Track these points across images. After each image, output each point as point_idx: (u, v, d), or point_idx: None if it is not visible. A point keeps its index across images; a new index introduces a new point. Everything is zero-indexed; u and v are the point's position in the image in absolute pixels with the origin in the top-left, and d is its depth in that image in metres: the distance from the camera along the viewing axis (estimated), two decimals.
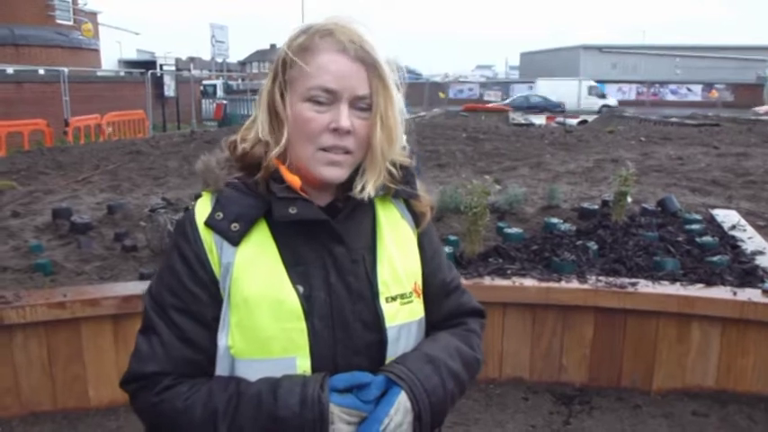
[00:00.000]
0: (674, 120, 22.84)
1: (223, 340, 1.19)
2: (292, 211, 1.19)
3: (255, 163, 1.22)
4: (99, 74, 25.88)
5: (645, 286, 3.74)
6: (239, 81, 42.16)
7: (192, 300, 1.20)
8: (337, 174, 1.21)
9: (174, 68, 29.51)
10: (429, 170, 9.21)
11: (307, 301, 1.19)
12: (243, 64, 78.26)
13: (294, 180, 1.20)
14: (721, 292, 3.69)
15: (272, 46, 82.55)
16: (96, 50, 29.49)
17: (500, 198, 5.74)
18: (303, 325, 1.18)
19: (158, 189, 7.52)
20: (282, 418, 1.12)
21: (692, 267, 4.08)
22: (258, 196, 1.21)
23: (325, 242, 1.23)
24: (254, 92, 33.04)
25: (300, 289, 1.19)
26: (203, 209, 1.23)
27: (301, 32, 1.22)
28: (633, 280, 3.82)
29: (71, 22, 26.53)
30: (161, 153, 10.71)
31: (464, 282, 3.84)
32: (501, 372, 3.88)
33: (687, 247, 4.48)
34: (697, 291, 3.70)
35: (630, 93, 49.16)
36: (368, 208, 1.30)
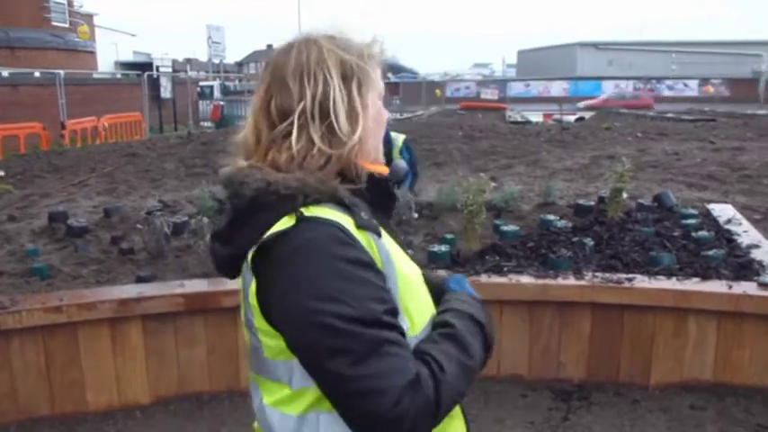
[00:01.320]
0: (670, 115, 22.87)
1: (404, 325, 1.20)
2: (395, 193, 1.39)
3: (335, 169, 1.25)
4: (95, 76, 25.84)
5: (641, 281, 3.75)
6: (236, 82, 42.13)
7: (390, 296, 1.18)
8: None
9: (170, 70, 29.49)
10: (426, 169, 9.21)
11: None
12: (240, 65, 78.25)
13: (384, 169, 1.36)
14: (717, 286, 3.70)
15: (269, 46, 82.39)
16: (92, 52, 29.46)
17: (496, 196, 5.74)
18: (427, 291, 1.35)
19: (155, 191, 7.52)
20: (476, 326, 1.32)
21: (688, 262, 4.09)
22: (358, 193, 1.27)
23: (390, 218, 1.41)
24: (252, 93, 32.84)
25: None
26: (339, 217, 1.19)
27: (353, 42, 1.33)
28: (630, 275, 3.82)
29: (67, 25, 26.51)
30: (158, 155, 10.71)
31: None
32: (499, 369, 3.88)
33: (683, 241, 4.49)
34: (693, 285, 3.71)
35: (627, 89, 49.20)
36: None
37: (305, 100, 1.23)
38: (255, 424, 1.33)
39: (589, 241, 4.40)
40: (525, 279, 3.81)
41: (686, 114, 23.24)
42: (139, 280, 4.00)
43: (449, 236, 4.68)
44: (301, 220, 1.16)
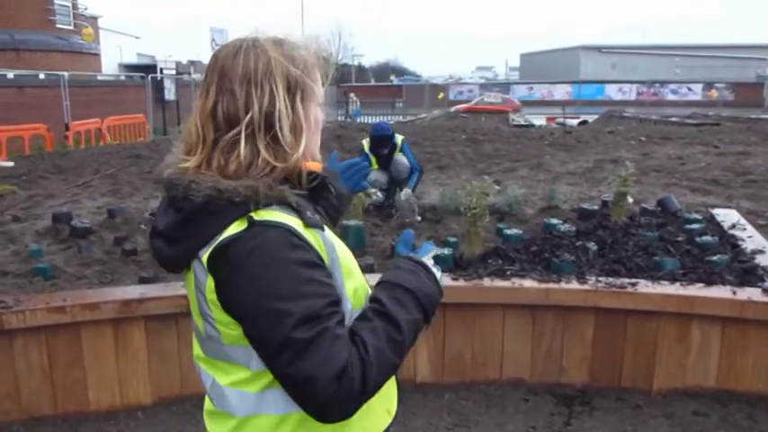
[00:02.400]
0: (674, 119, 22.84)
1: (348, 305, 1.34)
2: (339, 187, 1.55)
3: (281, 175, 1.33)
4: (99, 78, 25.87)
5: (645, 286, 3.74)
6: None
7: (332, 290, 1.29)
8: None
9: (174, 72, 29.48)
10: (429, 172, 9.22)
11: None
12: None
13: (318, 166, 1.44)
14: (721, 292, 3.69)
15: None
16: (97, 55, 29.51)
17: (500, 199, 5.74)
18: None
19: (158, 193, 7.48)
20: (417, 291, 1.40)
21: (691, 267, 4.08)
22: (301, 193, 1.36)
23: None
24: None
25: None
26: (288, 218, 1.28)
27: (300, 49, 1.38)
28: (633, 280, 3.81)
29: (71, 27, 26.54)
30: (161, 157, 10.62)
31: (464, 283, 3.85)
32: (501, 373, 3.88)
33: (687, 246, 4.48)
34: (697, 290, 3.70)
35: (631, 93, 49.17)
36: None
37: (252, 111, 1.29)
38: (208, 406, 1.46)
39: (592, 245, 4.39)
40: (528, 283, 3.80)
41: (690, 118, 23.19)
42: (142, 281, 4.01)
43: (452, 239, 4.68)
44: (252, 224, 1.25)
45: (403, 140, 6.37)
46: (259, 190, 1.26)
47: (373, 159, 6.26)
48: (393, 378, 1.46)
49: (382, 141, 6.20)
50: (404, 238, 1.56)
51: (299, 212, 1.30)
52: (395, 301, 1.35)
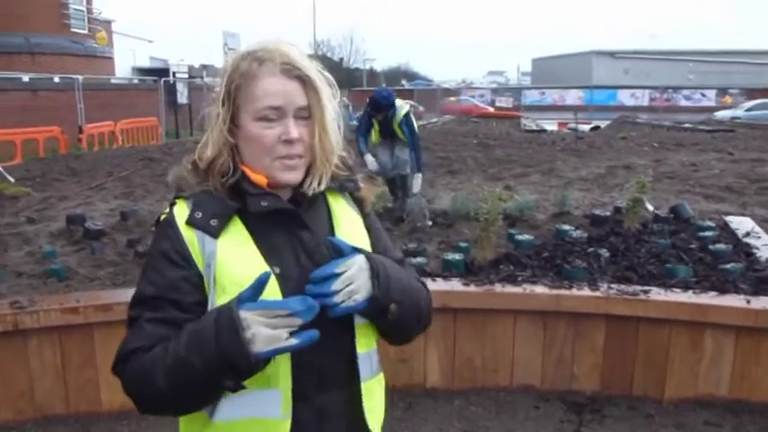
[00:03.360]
0: (687, 125, 22.71)
1: None
2: (264, 203, 1.37)
3: (218, 174, 1.39)
4: (113, 81, 26.07)
5: (657, 294, 3.72)
6: None
7: (171, 287, 1.34)
8: (294, 176, 1.40)
9: (186, 76, 29.63)
10: (440, 177, 9.22)
11: (283, 280, 1.34)
12: None
13: (261, 179, 1.39)
14: (735, 300, 3.66)
15: None
16: (110, 58, 29.73)
17: (511, 205, 5.73)
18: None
19: (170, 195, 7.55)
20: (201, 329, 1.26)
21: (704, 275, 4.06)
22: (226, 199, 1.38)
23: (292, 229, 1.41)
24: None
25: (276, 269, 1.34)
26: (181, 212, 1.38)
27: (237, 63, 1.40)
28: (645, 287, 3.80)
29: (86, 31, 26.75)
30: (173, 159, 10.75)
31: (475, 289, 3.85)
32: (512, 379, 3.87)
33: (700, 254, 4.45)
34: (710, 299, 3.68)
35: (643, 98, 48.92)
36: (322, 201, 1.50)
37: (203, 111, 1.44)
38: None
39: (604, 252, 4.38)
40: (539, 289, 3.79)
41: (704, 125, 23.07)
42: None
43: (463, 244, 4.68)
44: (169, 208, 1.42)
45: (407, 113, 6.14)
46: (177, 181, 1.43)
47: (375, 129, 6.19)
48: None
49: (381, 107, 6.06)
50: (254, 283, 1.26)
51: (191, 208, 1.37)
52: (187, 333, 1.28)
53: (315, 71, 1.39)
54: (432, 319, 1.57)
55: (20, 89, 18.93)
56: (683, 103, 47.74)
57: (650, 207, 5.40)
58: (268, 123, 1.36)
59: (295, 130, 1.36)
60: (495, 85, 66.05)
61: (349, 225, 1.50)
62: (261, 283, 1.26)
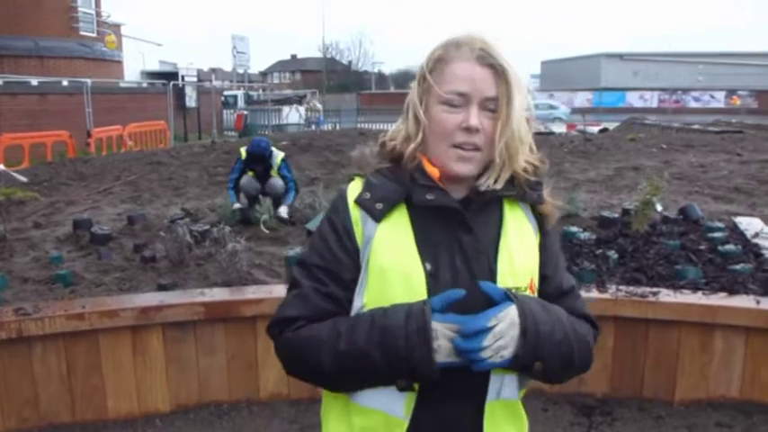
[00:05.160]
0: (696, 127, 22.59)
1: (359, 301, 1.38)
2: (430, 197, 1.36)
3: (400, 157, 1.42)
4: (122, 85, 26.13)
5: (666, 295, 3.69)
6: (260, 91, 42.40)
7: (334, 261, 1.39)
8: (467, 169, 1.37)
9: (195, 79, 29.74)
10: None
11: (432, 278, 1.34)
12: (264, 74, 78.77)
13: (434, 171, 1.38)
14: (744, 301, 3.63)
15: (293, 56, 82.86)
16: (119, 62, 29.82)
17: None
18: (426, 298, 1.31)
19: (178, 200, 7.57)
20: (390, 327, 1.27)
21: (714, 276, 4.02)
22: (401, 183, 1.39)
23: (455, 230, 1.38)
24: (275, 102, 33.17)
25: (428, 266, 1.34)
26: (355, 189, 1.43)
27: (439, 47, 1.40)
28: (654, 289, 3.76)
29: (95, 35, 26.83)
30: (181, 164, 10.78)
31: None
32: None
33: (709, 255, 4.41)
34: (719, 300, 3.65)
35: (652, 100, 48.80)
36: (497, 206, 1.44)
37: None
38: None
39: (613, 254, 4.34)
40: None
41: (712, 126, 22.94)
42: (161, 288, 4.02)
43: None
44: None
45: (282, 159, 6.20)
46: (357, 159, 1.47)
47: (250, 171, 6.18)
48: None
49: (259, 159, 6.06)
50: (445, 295, 1.30)
51: (363, 188, 1.41)
52: (370, 323, 1.31)
53: (511, 64, 1.36)
54: (592, 361, 1.48)
55: (28, 93, 18.99)
56: (692, 104, 47.63)
57: (659, 208, 5.35)
58: (451, 108, 1.35)
59: (476, 118, 1.34)
60: None
61: (518, 238, 1.43)
62: (453, 298, 1.28)
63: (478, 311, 1.28)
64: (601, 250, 4.44)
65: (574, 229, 5.00)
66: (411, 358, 1.25)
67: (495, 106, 1.35)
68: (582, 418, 3.62)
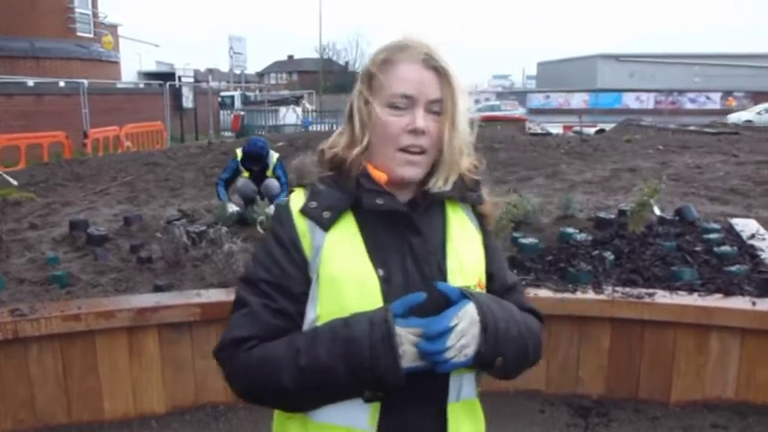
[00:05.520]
0: (692, 128, 22.64)
1: (312, 313, 1.33)
2: (379, 201, 1.35)
3: (343, 164, 1.39)
4: (118, 86, 26.11)
5: (662, 297, 3.70)
6: (257, 92, 42.38)
7: (282, 275, 1.35)
8: (414, 172, 1.37)
9: (192, 80, 29.72)
10: None
11: (386, 283, 1.32)
12: (261, 75, 78.72)
13: (380, 176, 1.37)
14: (740, 303, 3.64)
15: (290, 57, 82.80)
16: (116, 62, 29.78)
17: (515, 208, 5.70)
18: (381, 304, 1.30)
19: (174, 200, 7.56)
20: (354, 337, 1.24)
21: (710, 277, 4.03)
22: (346, 191, 1.37)
23: (404, 233, 1.38)
24: (272, 102, 33.17)
25: (381, 272, 1.33)
26: (298, 199, 1.40)
27: (383, 50, 1.40)
28: (650, 290, 3.77)
29: (91, 35, 26.79)
30: (178, 164, 10.78)
31: None
32: (516, 383, 3.84)
33: (705, 256, 4.42)
34: (715, 301, 3.66)
35: (649, 101, 48.92)
36: (440, 208, 1.45)
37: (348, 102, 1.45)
38: None
39: (609, 255, 4.35)
40: (543, 293, 3.77)
41: (709, 127, 23.00)
42: (157, 289, 4.01)
43: None
44: (289, 195, 1.45)
45: (278, 159, 6.23)
46: (298, 169, 1.45)
47: (246, 172, 6.18)
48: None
49: (255, 158, 6.08)
50: (405, 299, 1.28)
51: (308, 198, 1.38)
52: (330, 336, 1.26)
53: (454, 67, 1.37)
54: (542, 355, 1.50)
55: (24, 94, 18.96)
56: (689, 105, 47.75)
57: (657, 210, 5.36)
58: (397, 111, 1.35)
59: (422, 120, 1.34)
60: (500, 89, 66.04)
61: (463, 238, 1.45)
62: (414, 303, 1.27)
63: (433, 313, 1.28)
64: (597, 251, 4.45)
65: (570, 230, 5.01)
66: (377, 368, 1.23)
67: (440, 108, 1.36)
68: (578, 420, 3.63)
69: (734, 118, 31.98)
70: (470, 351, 1.27)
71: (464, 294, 1.31)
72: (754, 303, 3.60)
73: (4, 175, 9.33)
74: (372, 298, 1.30)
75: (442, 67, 1.35)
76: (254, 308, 1.34)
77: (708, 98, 48.57)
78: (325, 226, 1.34)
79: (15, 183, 8.35)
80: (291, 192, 1.45)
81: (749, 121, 30.12)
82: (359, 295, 1.31)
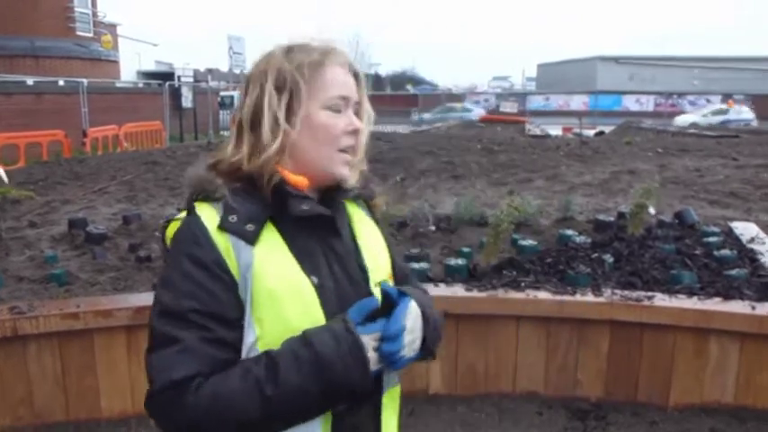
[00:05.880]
0: (692, 131, 22.67)
1: (251, 336, 1.24)
2: (305, 207, 1.31)
3: (248, 175, 1.31)
4: (117, 85, 26.10)
5: (661, 300, 3.70)
6: None
7: (214, 301, 1.22)
8: (348, 172, 1.37)
9: (191, 80, 29.71)
10: (444, 181, 9.20)
11: (320, 290, 1.29)
12: None
13: (301, 181, 1.33)
14: (740, 307, 3.63)
15: None
16: (115, 62, 29.78)
17: (516, 210, 5.70)
18: (321, 313, 1.27)
19: (173, 200, 7.56)
20: (321, 355, 1.19)
21: (709, 281, 4.02)
22: (259, 201, 1.30)
23: (324, 236, 1.36)
24: None
25: (314, 279, 1.29)
26: (209, 216, 1.28)
27: (291, 52, 1.35)
28: (649, 293, 3.77)
29: (91, 34, 26.79)
30: (177, 164, 10.76)
31: (477, 294, 3.83)
32: (515, 385, 3.84)
33: (705, 260, 4.42)
34: (715, 305, 3.65)
35: (648, 104, 48.91)
36: (343, 208, 1.46)
37: (244, 108, 1.34)
38: None
39: (608, 258, 4.35)
40: (543, 295, 3.77)
41: (708, 130, 23.01)
42: (156, 287, 4.00)
43: (466, 249, 4.65)
44: (187, 212, 1.33)
45: None
46: (199, 181, 1.34)
47: None
48: None
49: None
50: (360, 305, 1.29)
51: (223, 212, 1.28)
52: (294, 359, 1.20)
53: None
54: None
55: (24, 92, 18.95)
56: (688, 108, 47.67)
57: (652, 211, 5.36)
58: (335, 113, 1.34)
59: (357, 120, 1.37)
60: (499, 90, 66.08)
61: (367, 234, 1.48)
62: (371, 308, 1.28)
63: (376, 314, 1.31)
64: (596, 254, 4.45)
65: (569, 232, 5.01)
66: (350, 381, 1.21)
67: (358, 110, 1.40)
68: (576, 422, 3.62)
69: (679, 121, 33.32)
70: (417, 345, 1.32)
71: (401, 292, 1.35)
72: (753, 307, 3.60)
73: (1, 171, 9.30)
74: (311, 308, 1.27)
75: (357, 72, 1.40)
76: (188, 342, 1.19)
77: (708, 101, 48.52)
78: (251, 240, 1.26)
79: (6, 179, 8.30)
80: (189, 209, 1.32)
81: (694, 123, 31.26)
82: (300, 306, 1.26)
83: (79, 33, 25.76)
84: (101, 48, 27.00)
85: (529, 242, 4.76)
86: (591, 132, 24.54)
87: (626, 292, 3.77)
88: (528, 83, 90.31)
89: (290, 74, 1.32)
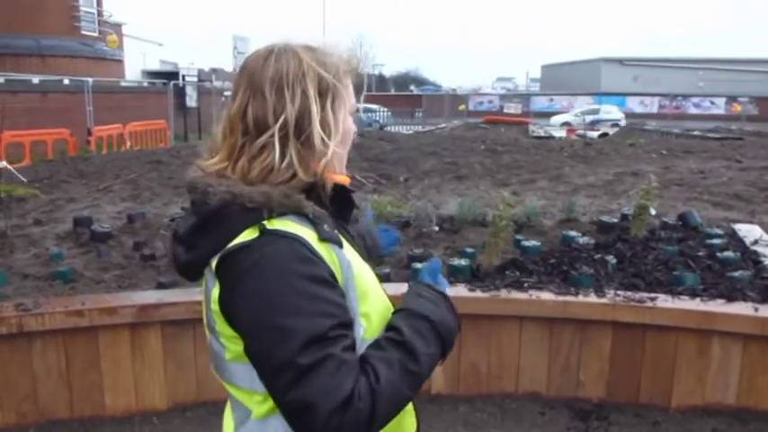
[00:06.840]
0: (696, 133, 22.64)
1: (359, 331, 1.27)
2: (355, 208, 1.45)
3: (304, 182, 1.29)
4: (122, 84, 26.16)
5: (664, 301, 3.70)
6: None
7: (342, 311, 1.21)
8: None
9: (196, 79, 29.73)
10: (447, 182, 9.20)
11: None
12: None
13: (346, 180, 1.39)
14: (743, 308, 3.63)
15: None
16: (120, 61, 29.85)
17: (518, 210, 5.71)
18: (385, 295, 1.42)
19: (178, 199, 7.57)
20: (436, 323, 1.33)
21: (712, 282, 4.03)
22: (323, 204, 1.32)
23: (348, 227, 1.46)
24: None
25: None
26: (303, 231, 1.23)
27: (336, 59, 1.34)
28: (652, 295, 3.77)
29: (96, 34, 26.87)
30: (181, 163, 10.77)
31: (481, 294, 3.83)
32: (517, 386, 3.84)
33: (708, 261, 4.42)
34: (717, 306, 3.65)
35: (652, 106, 48.79)
36: None
37: (285, 114, 1.26)
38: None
39: (611, 259, 4.35)
40: (546, 295, 3.77)
41: (713, 132, 22.98)
42: (160, 286, 4.02)
43: (469, 249, 4.66)
44: (263, 233, 1.20)
45: None
46: (273, 197, 1.22)
47: None
48: (411, 409, 1.47)
49: None
50: (431, 267, 1.48)
51: (314, 224, 1.24)
52: (415, 332, 1.28)
53: None
54: None
55: (29, 91, 19.01)
56: (692, 110, 47.56)
57: (653, 212, 5.36)
58: (351, 118, 1.40)
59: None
60: (503, 91, 66.03)
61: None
62: (437, 269, 1.48)
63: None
64: (599, 255, 4.45)
65: (573, 233, 5.02)
66: (455, 330, 1.38)
67: None
68: (578, 423, 3.63)
69: (554, 120, 34.74)
70: None
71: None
72: (756, 309, 3.60)
73: (13, 170, 9.34)
74: (384, 292, 1.41)
75: None
76: (339, 357, 1.16)
77: (712, 103, 48.41)
78: (341, 243, 1.28)
79: (24, 179, 8.34)
80: (267, 230, 1.22)
81: (567, 123, 32.47)
82: (382, 294, 1.39)
83: (84, 33, 25.84)
84: (106, 47, 27.06)
85: (532, 243, 4.77)
86: (595, 134, 24.52)
87: (629, 294, 3.78)
88: (532, 84, 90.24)
89: (331, 81, 1.31)
